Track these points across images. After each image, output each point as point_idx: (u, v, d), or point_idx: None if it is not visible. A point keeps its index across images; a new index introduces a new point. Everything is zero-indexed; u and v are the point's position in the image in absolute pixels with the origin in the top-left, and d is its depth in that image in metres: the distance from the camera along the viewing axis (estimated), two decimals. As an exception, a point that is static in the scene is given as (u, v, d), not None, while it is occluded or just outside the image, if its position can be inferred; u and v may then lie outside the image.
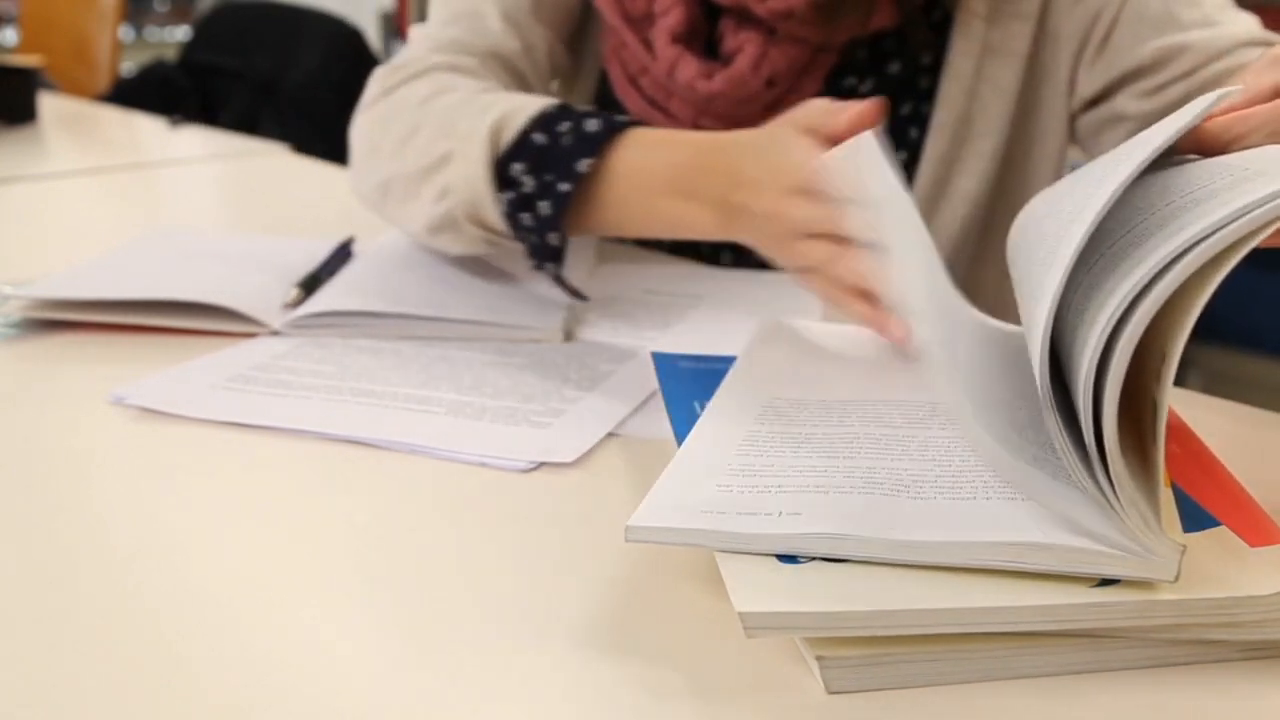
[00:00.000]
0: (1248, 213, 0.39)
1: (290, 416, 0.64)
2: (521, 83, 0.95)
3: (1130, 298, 0.40)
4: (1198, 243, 0.39)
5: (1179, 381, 0.47)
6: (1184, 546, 0.41)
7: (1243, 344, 2.62)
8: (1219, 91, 0.48)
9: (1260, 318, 2.61)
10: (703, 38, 0.95)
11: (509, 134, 0.78)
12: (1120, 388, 0.41)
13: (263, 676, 0.42)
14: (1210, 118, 0.51)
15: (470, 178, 0.77)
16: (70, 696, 0.41)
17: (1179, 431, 0.55)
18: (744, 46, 0.91)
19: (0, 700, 0.41)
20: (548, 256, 0.77)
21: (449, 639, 0.44)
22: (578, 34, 1.05)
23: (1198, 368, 2.62)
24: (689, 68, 0.92)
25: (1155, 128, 0.48)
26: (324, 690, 0.41)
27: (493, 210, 0.77)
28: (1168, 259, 0.40)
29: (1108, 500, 0.41)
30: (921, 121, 0.95)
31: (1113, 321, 0.40)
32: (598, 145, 0.76)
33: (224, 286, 0.80)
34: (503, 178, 0.77)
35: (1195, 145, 0.51)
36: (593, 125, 0.77)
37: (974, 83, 0.93)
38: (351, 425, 0.63)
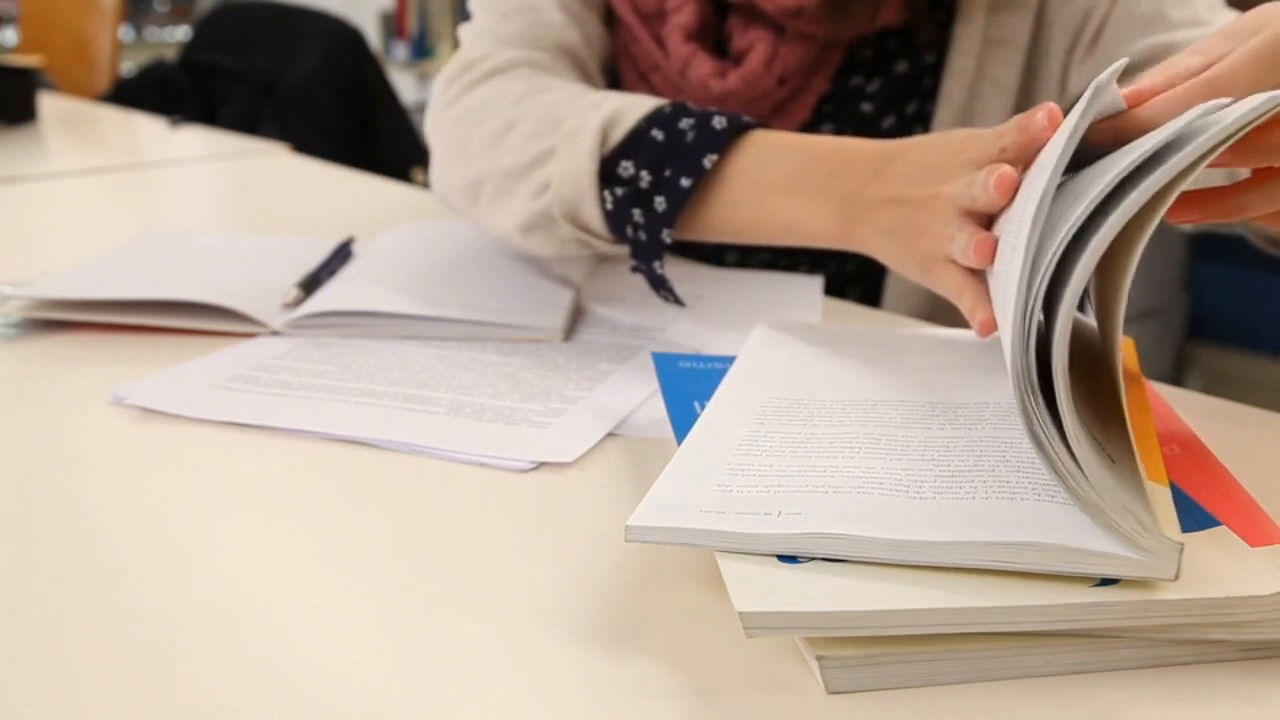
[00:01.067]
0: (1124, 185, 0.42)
1: (290, 416, 0.64)
2: (586, 75, 0.93)
3: (1038, 289, 0.43)
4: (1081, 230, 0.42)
5: (1178, 381, 0.47)
6: (1182, 544, 0.41)
7: (1243, 344, 2.62)
8: (1096, 83, 0.48)
9: (1260, 318, 2.61)
10: (713, 35, 0.95)
11: (620, 131, 0.75)
12: (1070, 392, 0.41)
13: (262, 676, 0.42)
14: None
15: (573, 173, 0.75)
16: (71, 696, 0.41)
17: (1180, 432, 0.55)
18: (754, 45, 0.91)
19: (1, 700, 0.41)
20: (655, 256, 0.74)
21: (448, 638, 0.44)
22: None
23: (1198, 368, 2.62)
24: (702, 66, 0.92)
25: (1061, 131, 0.49)
26: (323, 690, 0.41)
27: (594, 208, 0.75)
28: (1060, 250, 0.42)
29: (1099, 507, 0.41)
30: (926, 120, 0.96)
31: (1031, 314, 0.42)
32: (724, 142, 0.74)
33: (224, 286, 0.80)
34: (608, 175, 0.75)
35: (1113, 136, 0.52)
36: (719, 122, 0.74)
37: (975, 79, 0.93)
38: (351, 425, 0.63)
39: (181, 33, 4.07)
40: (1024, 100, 0.95)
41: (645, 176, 0.74)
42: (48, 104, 1.72)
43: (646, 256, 0.75)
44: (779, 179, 0.72)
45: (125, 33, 2.68)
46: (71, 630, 0.45)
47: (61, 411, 0.66)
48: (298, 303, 0.80)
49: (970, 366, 0.59)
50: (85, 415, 0.65)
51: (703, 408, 0.58)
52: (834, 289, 0.96)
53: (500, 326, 0.77)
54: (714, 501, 0.47)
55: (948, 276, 0.61)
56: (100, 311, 0.77)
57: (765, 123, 0.76)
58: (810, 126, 0.96)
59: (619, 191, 0.74)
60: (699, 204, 0.75)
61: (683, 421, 0.57)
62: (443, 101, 0.88)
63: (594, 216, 0.75)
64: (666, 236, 0.74)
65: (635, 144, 0.75)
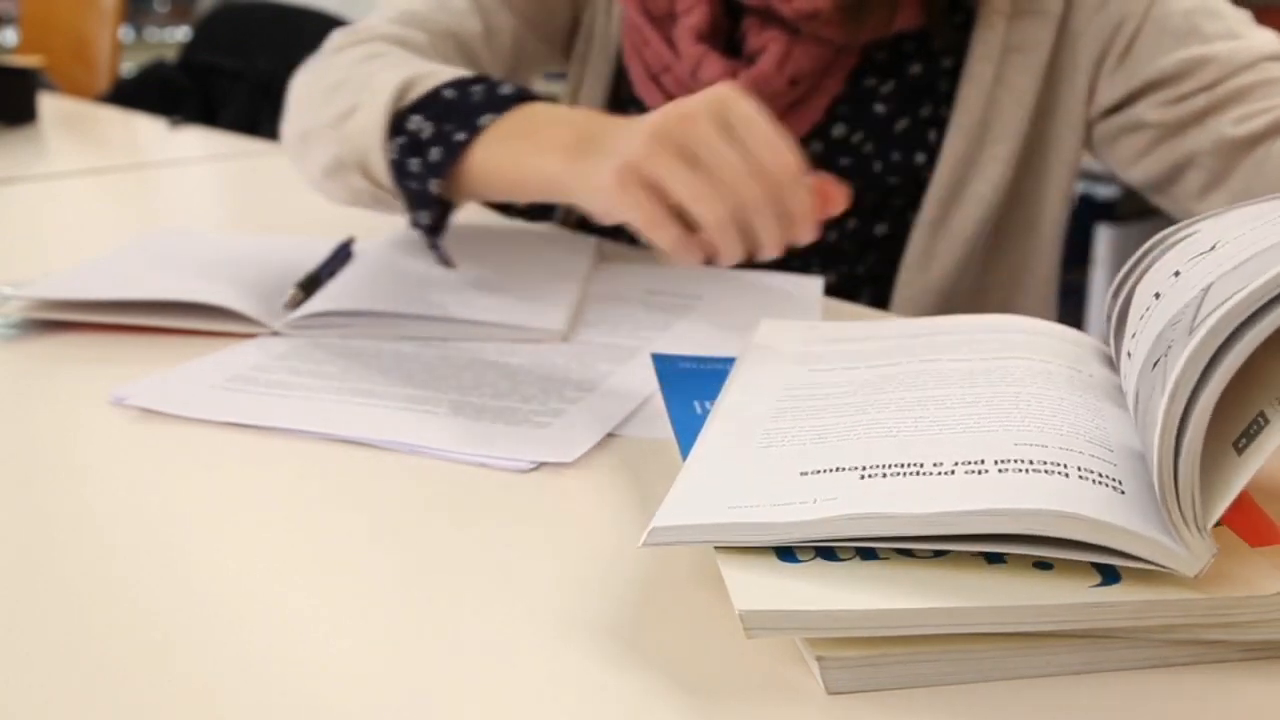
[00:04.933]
0: None
1: (290, 416, 0.64)
2: (476, 65, 0.97)
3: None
4: None
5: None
6: (1216, 550, 0.41)
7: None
8: None
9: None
10: (725, 36, 0.95)
11: (417, 91, 0.80)
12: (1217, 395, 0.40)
13: (262, 677, 0.42)
14: None
15: (367, 126, 0.79)
16: (71, 695, 0.41)
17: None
18: (768, 45, 0.91)
19: (1, 699, 0.41)
20: (425, 205, 0.78)
21: (447, 639, 0.44)
22: (566, 29, 1.05)
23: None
24: (713, 67, 0.92)
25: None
26: (323, 690, 0.41)
27: (380, 159, 0.79)
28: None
29: (1171, 481, 0.41)
30: (940, 124, 0.95)
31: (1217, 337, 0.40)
32: (505, 106, 0.77)
33: (224, 286, 0.80)
34: (398, 129, 0.79)
35: None
36: (506, 89, 0.78)
37: (993, 87, 0.93)
38: (351, 425, 0.63)
39: (181, 33, 4.06)
40: (1042, 107, 0.95)
41: (427, 128, 0.78)
42: (48, 104, 1.72)
43: (416, 205, 0.79)
44: (533, 137, 0.75)
45: (125, 33, 2.68)
46: (71, 630, 0.45)
47: (61, 411, 0.66)
48: (298, 303, 0.79)
49: (978, 344, 0.59)
50: (85, 415, 0.65)
51: (704, 409, 0.58)
52: (845, 291, 0.96)
53: (500, 327, 0.77)
54: (743, 496, 0.46)
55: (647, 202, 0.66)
56: (100, 312, 0.77)
57: (553, 96, 0.80)
58: (823, 127, 0.96)
59: (400, 141, 0.78)
60: (470, 160, 0.77)
61: (683, 423, 0.57)
62: (312, 60, 0.94)
63: (380, 167, 0.79)
64: (433, 186, 0.77)
65: (428, 102, 0.79)
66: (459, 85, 0.79)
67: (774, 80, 0.91)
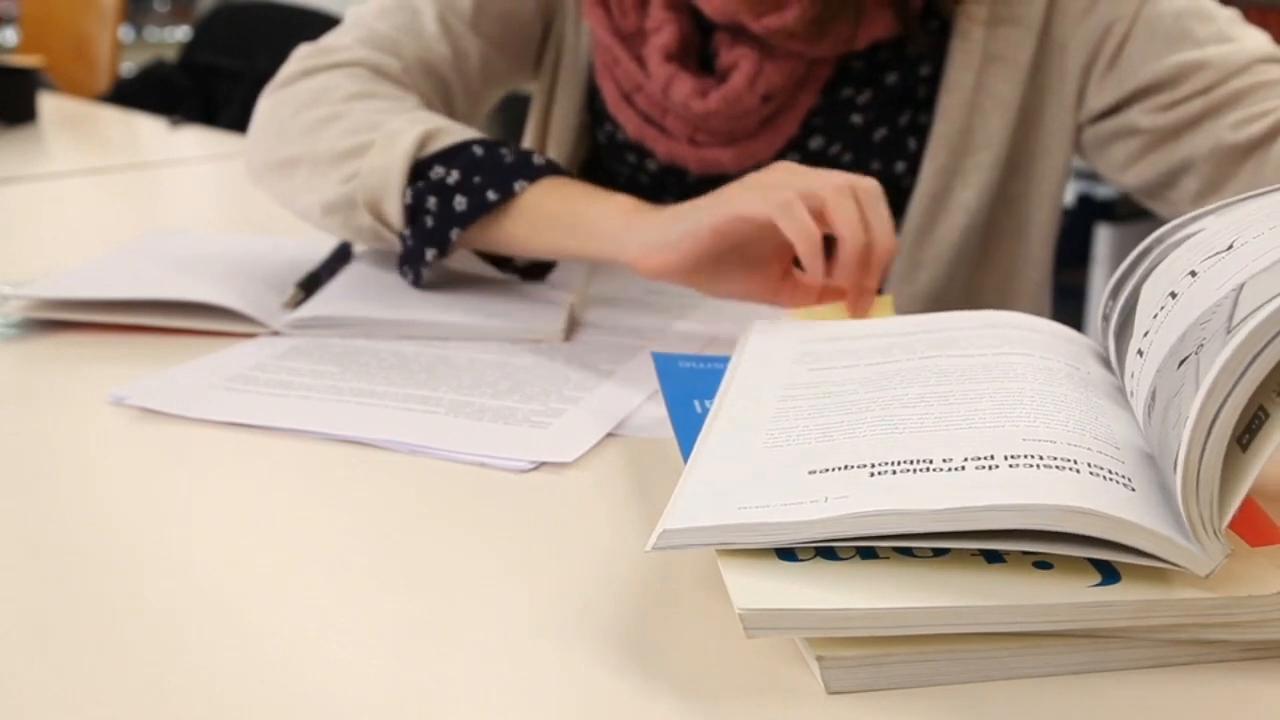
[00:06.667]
0: None
1: (290, 416, 0.64)
2: (445, 90, 0.96)
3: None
4: None
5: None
6: (1230, 550, 0.40)
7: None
8: None
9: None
10: (696, 53, 0.94)
11: (440, 142, 0.80)
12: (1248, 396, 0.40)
13: (262, 675, 0.42)
14: None
15: (384, 167, 0.79)
16: (71, 695, 0.41)
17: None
18: (739, 62, 0.90)
19: (1, 699, 0.41)
20: (436, 245, 0.78)
21: (447, 639, 0.44)
22: (535, 43, 1.03)
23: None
24: (684, 86, 0.91)
25: None
26: (323, 689, 0.41)
27: (395, 202, 0.79)
28: None
29: (1194, 480, 0.40)
30: (920, 131, 0.95)
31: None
32: (538, 175, 0.78)
33: (224, 286, 0.80)
34: (417, 175, 0.79)
35: None
36: (538, 159, 0.79)
37: (973, 95, 0.92)
38: (351, 425, 0.63)
39: (181, 33, 4.06)
40: (1026, 114, 0.94)
41: (454, 175, 0.78)
42: (48, 104, 1.72)
43: (429, 242, 0.79)
44: (559, 223, 0.77)
45: (125, 33, 2.68)
46: (71, 630, 0.45)
47: (61, 411, 0.66)
48: (298, 303, 0.80)
49: (975, 340, 0.59)
50: (85, 415, 0.65)
51: (704, 407, 0.57)
52: None
53: (500, 327, 0.77)
54: (752, 497, 0.46)
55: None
56: (100, 311, 0.77)
57: (570, 171, 0.82)
58: (799, 140, 0.95)
59: (420, 185, 0.78)
60: (493, 221, 0.78)
61: (684, 421, 0.57)
62: (283, 78, 0.91)
63: (394, 210, 0.79)
64: (454, 235, 0.78)
65: (453, 154, 0.79)
66: (486, 144, 0.80)
67: (747, 98, 0.90)
